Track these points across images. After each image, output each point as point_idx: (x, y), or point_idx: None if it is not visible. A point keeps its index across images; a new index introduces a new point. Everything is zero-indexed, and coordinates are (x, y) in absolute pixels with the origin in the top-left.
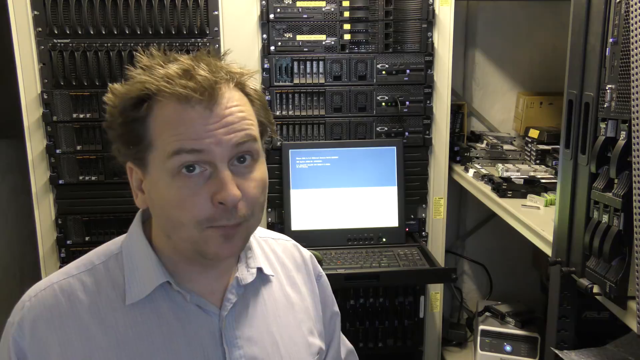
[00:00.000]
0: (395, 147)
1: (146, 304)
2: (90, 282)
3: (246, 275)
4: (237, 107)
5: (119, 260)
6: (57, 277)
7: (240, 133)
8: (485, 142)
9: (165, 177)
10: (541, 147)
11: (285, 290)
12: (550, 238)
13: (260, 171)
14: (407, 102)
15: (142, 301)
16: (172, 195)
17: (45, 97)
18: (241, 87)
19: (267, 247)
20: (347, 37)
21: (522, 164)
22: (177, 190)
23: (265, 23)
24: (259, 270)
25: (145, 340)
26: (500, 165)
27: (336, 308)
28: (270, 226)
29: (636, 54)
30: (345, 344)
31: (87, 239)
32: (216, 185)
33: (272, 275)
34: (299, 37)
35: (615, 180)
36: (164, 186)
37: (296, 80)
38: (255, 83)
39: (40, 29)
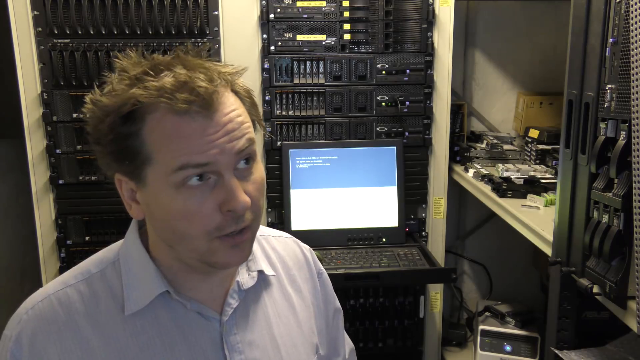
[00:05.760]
0: (395, 147)
1: (146, 314)
2: (88, 292)
3: (247, 279)
4: (235, 112)
5: (117, 269)
6: (54, 287)
7: (242, 140)
8: (485, 142)
9: (168, 189)
10: (541, 147)
11: (286, 289)
12: (550, 238)
13: (259, 171)
14: (407, 102)
15: (142, 311)
16: (178, 208)
17: (45, 97)
18: (232, 87)
19: (267, 245)
20: (347, 37)
21: (522, 164)
22: (183, 202)
23: (265, 23)
24: (260, 272)
25: (146, 349)
26: (500, 165)
27: (338, 304)
28: (270, 226)
29: (636, 54)
30: (348, 342)
31: (87, 239)
32: (224, 193)
33: (273, 275)
34: (299, 37)
35: (615, 180)
36: (167, 199)
37: (296, 80)
38: (245, 80)
39: (40, 29)
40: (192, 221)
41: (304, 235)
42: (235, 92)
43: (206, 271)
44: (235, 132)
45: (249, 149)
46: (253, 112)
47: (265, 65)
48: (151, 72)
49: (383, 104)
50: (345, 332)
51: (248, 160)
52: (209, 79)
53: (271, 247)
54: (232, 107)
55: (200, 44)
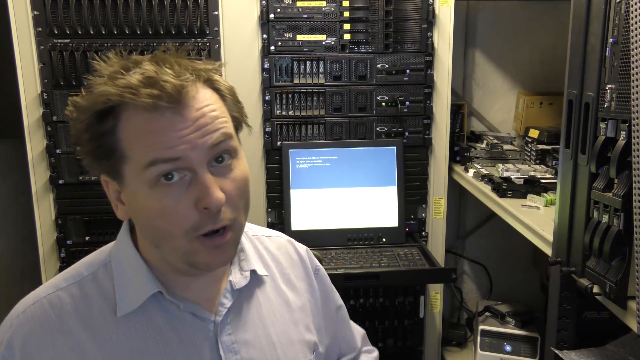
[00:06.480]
0: (395, 147)
1: (139, 315)
2: (79, 295)
3: (240, 278)
4: (208, 107)
5: (109, 271)
6: (45, 290)
7: (215, 134)
8: (485, 142)
9: (143, 188)
10: (541, 147)
11: (280, 288)
12: (550, 238)
13: (240, 169)
14: (407, 102)
15: (135, 312)
16: (155, 206)
17: (45, 97)
18: (210, 83)
19: (260, 245)
20: (347, 37)
21: (522, 164)
22: (159, 200)
23: (265, 23)
24: (253, 272)
25: (141, 351)
26: (500, 165)
27: (339, 300)
28: (270, 226)
29: (636, 54)
30: (358, 330)
31: (87, 239)
32: (198, 190)
33: (266, 275)
34: (299, 37)
35: (615, 180)
36: (144, 197)
37: (296, 80)
38: (222, 76)
39: (40, 29)
40: (170, 220)
41: (304, 235)
42: (216, 89)
43: (191, 273)
44: (208, 126)
45: (225, 143)
46: (235, 109)
47: (265, 65)
48: (123, 71)
49: (383, 104)
50: (352, 321)
51: (225, 157)
52: (176, 74)
53: (264, 247)
54: (205, 103)
55: (200, 44)
